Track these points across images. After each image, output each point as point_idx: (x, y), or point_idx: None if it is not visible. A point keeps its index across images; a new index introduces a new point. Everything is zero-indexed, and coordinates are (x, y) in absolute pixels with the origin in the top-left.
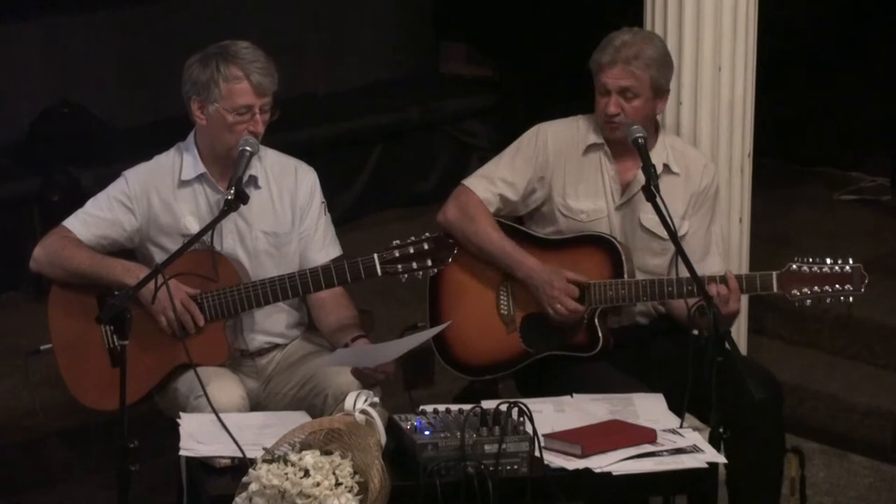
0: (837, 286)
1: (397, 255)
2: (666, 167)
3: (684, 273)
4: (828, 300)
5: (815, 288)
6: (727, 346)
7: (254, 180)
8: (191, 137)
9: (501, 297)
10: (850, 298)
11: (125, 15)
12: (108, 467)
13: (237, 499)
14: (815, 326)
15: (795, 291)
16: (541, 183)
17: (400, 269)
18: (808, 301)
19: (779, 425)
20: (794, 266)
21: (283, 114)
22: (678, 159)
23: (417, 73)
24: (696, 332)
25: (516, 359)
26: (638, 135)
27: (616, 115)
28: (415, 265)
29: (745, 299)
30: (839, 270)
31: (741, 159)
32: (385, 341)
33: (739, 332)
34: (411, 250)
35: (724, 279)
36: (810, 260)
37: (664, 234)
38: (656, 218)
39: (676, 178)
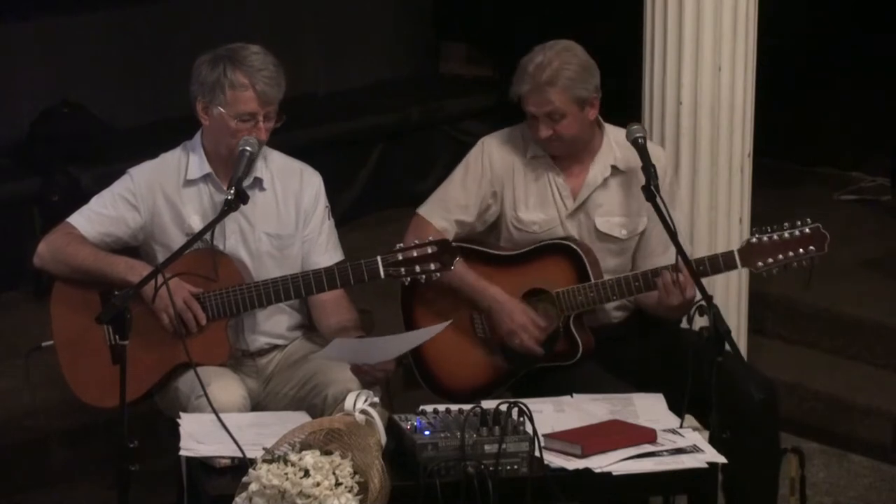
0: (801, 250)
1: (401, 258)
2: (614, 168)
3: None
4: (794, 265)
5: (780, 256)
6: (727, 346)
7: (259, 182)
8: (197, 137)
9: (475, 320)
10: (816, 259)
11: (125, 15)
12: (108, 467)
13: (237, 499)
14: (815, 326)
15: (760, 263)
16: (494, 198)
17: (403, 272)
18: (775, 270)
19: (774, 427)
20: (754, 239)
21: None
22: (626, 154)
23: (417, 73)
24: (684, 322)
25: (503, 377)
26: (638, 135)
27: (550, 137)
28: (418, 268)
29: (745, 299)
30: (799, 234)
31: (741, 159)
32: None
33: (739, 332)
34: (415, 254)
35: (675, 267)
36: (769, 229)
37: (620, 234)
38: (611, 220)
39: (627, 175)
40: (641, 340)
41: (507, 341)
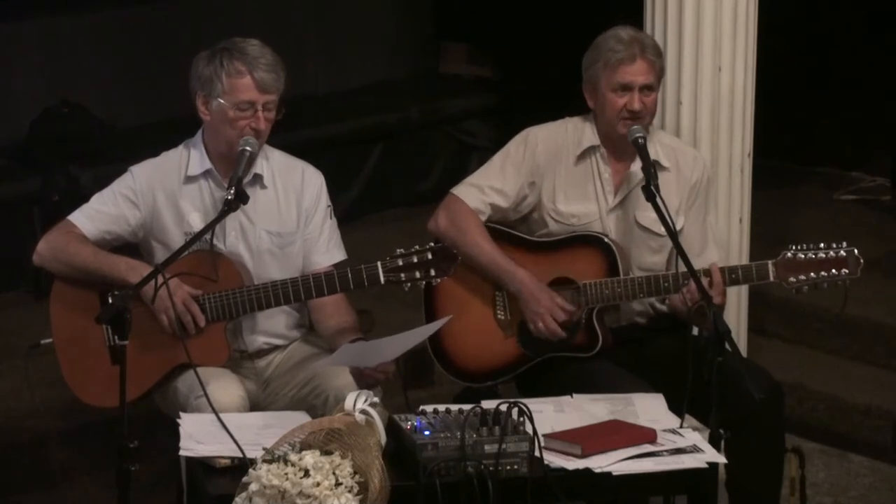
0: (834, 271)
1: (400, 263)
2: (656, 163)
3: (682, 268)
4: (825, 285)
5: (812, 274)
6: (727, 346)
7: (259, 179)
8: (199, 134)
9: (498, 302)
10: (847, 282)
11: (125, 15)
12: (108, 467)
13: (237, 499)
14: (815, 326)
15: (792, 279)
16: (532, 188)
17: (403, 278)
18: (806, 287)
19: (779, 426)
20: (790, 254)
21: (284, 113)
22: (668, 154)
23: (417, 73)
24: (696, 330)
25: (516, 363)
26: (638, 135)
27: (640, 111)
28: (418, 274)
29: (745, 299)
30: (834, 255)
31: (741, 159)
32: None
33: (739, 332)
34: (415, 259)
35: (707, 272)
36: (805, 246)
37: (661, 230)
38: (652, 215)
39: (668, 174)
40: (660, 343)
41: (530, 323)
